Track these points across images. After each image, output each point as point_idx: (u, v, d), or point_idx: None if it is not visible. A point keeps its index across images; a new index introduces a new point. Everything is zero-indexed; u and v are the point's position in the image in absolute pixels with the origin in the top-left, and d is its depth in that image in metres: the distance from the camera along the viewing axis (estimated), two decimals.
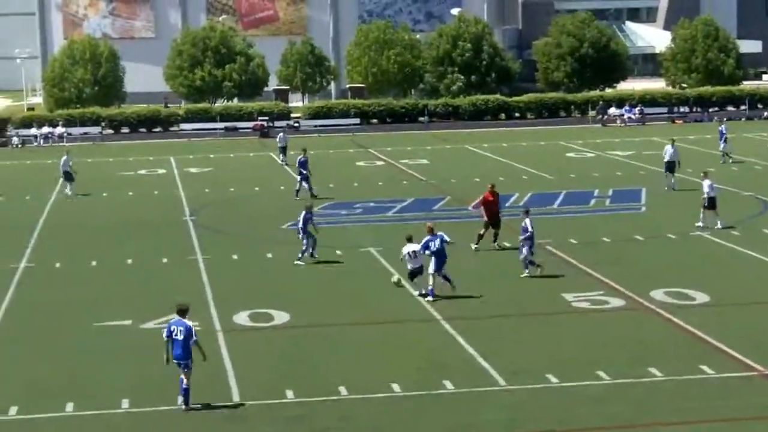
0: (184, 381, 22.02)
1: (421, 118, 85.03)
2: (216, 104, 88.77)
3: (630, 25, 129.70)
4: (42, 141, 76.73)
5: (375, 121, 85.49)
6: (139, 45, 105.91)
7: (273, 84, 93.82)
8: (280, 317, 29.01)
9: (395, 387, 23.04)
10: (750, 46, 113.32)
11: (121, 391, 23.21)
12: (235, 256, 36.84)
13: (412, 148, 68.44)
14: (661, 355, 24.83)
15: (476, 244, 36.69)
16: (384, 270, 33.76)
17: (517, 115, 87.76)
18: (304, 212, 35.73)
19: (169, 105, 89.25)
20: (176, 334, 22.05)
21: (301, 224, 35.48)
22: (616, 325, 27.70)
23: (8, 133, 79.85)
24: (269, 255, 36.99)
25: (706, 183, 39.63)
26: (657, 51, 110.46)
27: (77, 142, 75.85)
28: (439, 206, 46.26)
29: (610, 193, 48.48)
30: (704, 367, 23.79)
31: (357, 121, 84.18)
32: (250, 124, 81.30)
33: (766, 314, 28.47)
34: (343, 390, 22.92)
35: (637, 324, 27.74)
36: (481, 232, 36.89)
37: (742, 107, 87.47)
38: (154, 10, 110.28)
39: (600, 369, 23.75)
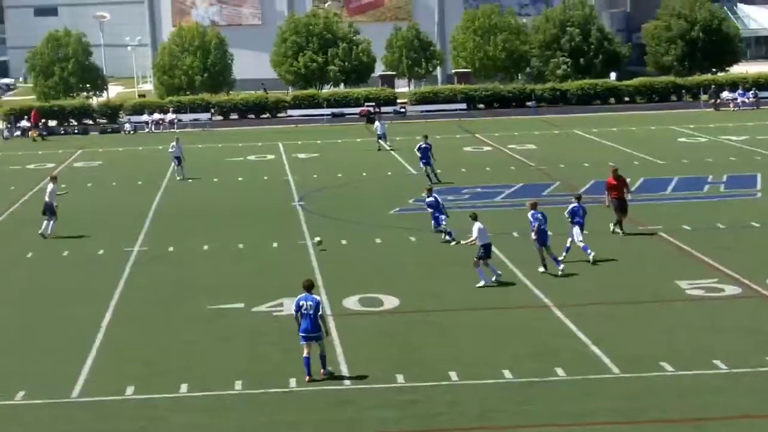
0: (306, 352, 22.76)
1: (528, 103, 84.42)
2: (323, 90, 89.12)
3: (742, 7, 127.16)
4: (153, 127, 77.83)
5: (481, 106, 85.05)
6: (246, 32, 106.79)
7: (379, 70, 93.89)
8: (390, 302, 29.02)
9: (506, 373, 22.90)
10: None
11: (233, 372, 23.43)
12: (344, 241, 36.95)
13: (520, 133, 67.98)
14: None
15: (619, 230, 36.33)
16: (494, 256, 33.52)
17: (626, 99, 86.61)
18: (429, 195, 36.56)
19: (267, 90, 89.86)
20: (306, 309, 22.82)
21: (434, 206, 36.34)
22: (732, 313, 27.15)
23: (121, 120, 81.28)
24: (378, 240, 37.02)
25: None
26: None
27: (187, 129, 76.87)
28: (548, 192, 45.82)
29: (725, 178, 47.54)
30: None
31: (463, 106, 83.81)
32: (357, 109, 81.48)
33: None
34: (453, 375, 22.84)
35: (753, 312, 27.15)
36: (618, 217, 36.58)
37: None
38: None
39: (716, 358, 23.29)
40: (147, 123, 78.37)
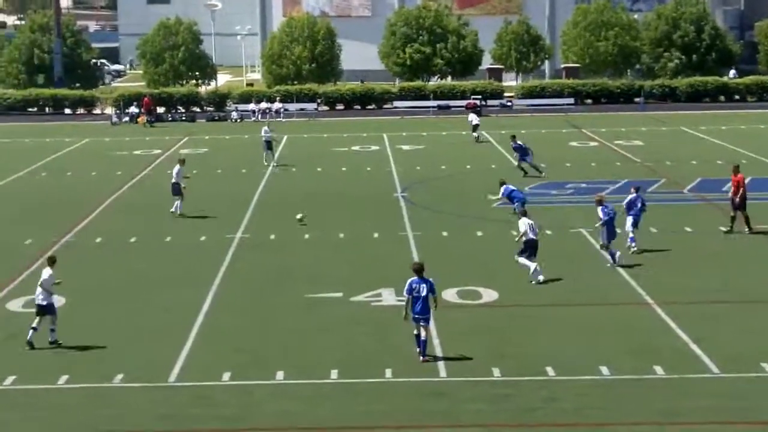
0: (423, 334, 23.39)
1: (636, 99, 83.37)
2: (429, 83, 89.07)
3: None
4: (260, 116, 78.43)
5: (589, 101, 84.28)
6: (356, 23, 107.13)
7: (486, 63, 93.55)
8: (489, 295, 28.91)
9: (604, 370, 22.67)
10: None
11: (330, 361, 23.53)
12: (445, 233, 36.88)
13: (627, 129, 67.15)
14: None
15: (747, 228, 35.75)
16: (595, 252, 33.23)
17: (736, 97, 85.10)
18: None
19: (364, 81, 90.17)
20: (419, 291, 23.39)
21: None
22: None
23: (228, 108, 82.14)
24: (479, 233, 36.89)
25: None
26: None
27: (293, 118, 77.34)
28: (654, 188, 45.19)
29: None
30: None
31: (571, 101, 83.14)
32: (463, 102, 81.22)
33: None
34: (550, 370, 22.68)
35: None
36: (733, 215, 36.04)
37: None
38: None
39: None
40: (253, 112, 79.01)
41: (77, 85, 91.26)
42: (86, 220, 40.69)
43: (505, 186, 38.32)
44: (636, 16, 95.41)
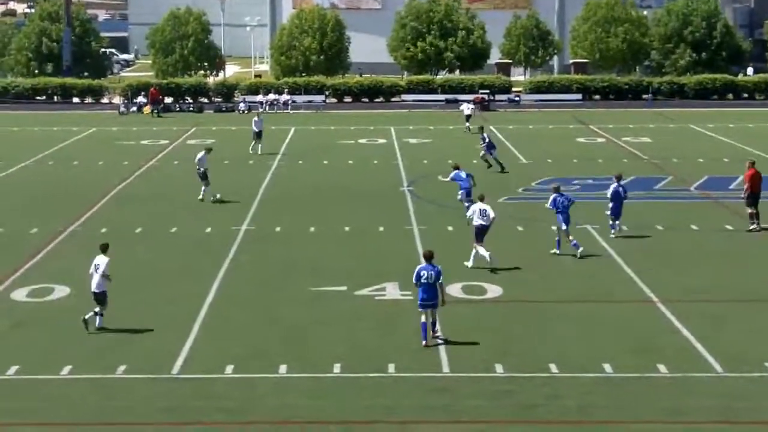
0: (429, 319, 24.10)
1: (644, 96, 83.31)
2: (438, 76, 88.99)
3: None
4: (267, 107, 78.44)
5: (597, 97, 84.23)
6: (366, 16, 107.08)
7: (495, 57, 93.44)
8: (493, 291, 28.90)
9: (607, 368, 22.66)
10: None
11: (333, 355, 23.53)
12: (450, 228, 36.85)
13: (635, 126, 67.05)
14: None
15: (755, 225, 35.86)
16: (601, 249, 33.21)
17: (745, 95, 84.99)
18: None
19: (363, 74, 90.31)
20: (426, 278, 23.82)
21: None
22: None
23: (236, 99, 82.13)
24: None
25: None
26: None
27: (301, 110, 77.31)
28: (660, 185, 45.17)
29: None
30: None
31: (578, 96, 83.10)
32: (471, 96, 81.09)
33: None
34: (553, 367, 22.67)
35: None
36: (751, 212, 36.07)
37: None
38: None
39: None
40: (261, 103, 78.99)
41: (86, 74, 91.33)
42: (92, 210, 40.70)
43: (456, 171, 39.27)
44: (645, 13, 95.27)
